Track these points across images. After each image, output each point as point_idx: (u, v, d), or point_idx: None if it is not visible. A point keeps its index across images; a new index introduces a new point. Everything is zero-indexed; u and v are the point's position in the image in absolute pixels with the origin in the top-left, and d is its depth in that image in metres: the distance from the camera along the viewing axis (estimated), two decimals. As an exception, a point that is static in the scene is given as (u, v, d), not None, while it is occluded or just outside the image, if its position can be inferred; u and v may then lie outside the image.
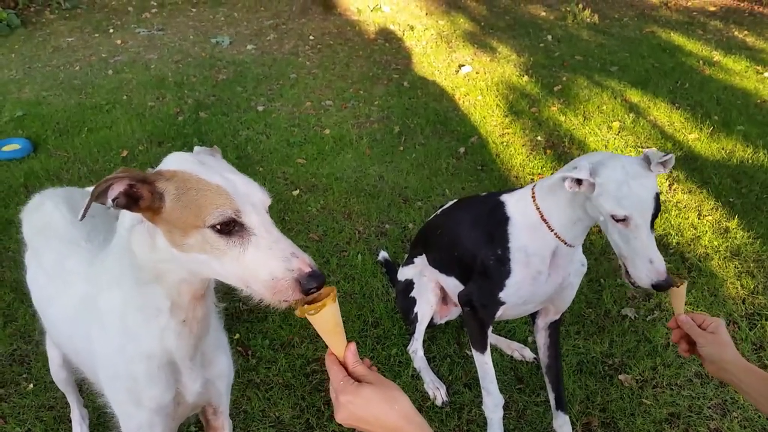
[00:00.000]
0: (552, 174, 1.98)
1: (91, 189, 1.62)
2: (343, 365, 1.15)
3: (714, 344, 1.50)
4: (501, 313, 2.24)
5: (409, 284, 2.70)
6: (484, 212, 2.21)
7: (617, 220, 1.71)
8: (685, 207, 3.82)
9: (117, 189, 1.10)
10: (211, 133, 4.80)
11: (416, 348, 2.71)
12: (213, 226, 1.08)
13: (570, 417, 2.33)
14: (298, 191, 3.98)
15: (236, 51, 6.82)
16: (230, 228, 1.09)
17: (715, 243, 3.46)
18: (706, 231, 3.56)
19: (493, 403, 2.31)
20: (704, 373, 2.65)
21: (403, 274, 2.75)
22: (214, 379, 1.56)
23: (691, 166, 4.26)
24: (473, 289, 2.26)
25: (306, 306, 1.10)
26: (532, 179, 4.13)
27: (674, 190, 4.01)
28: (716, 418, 2.44)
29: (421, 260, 2.66)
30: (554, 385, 2.34)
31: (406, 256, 2.82)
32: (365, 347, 2.77)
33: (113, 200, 1.10)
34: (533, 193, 2.04)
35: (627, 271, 1.78)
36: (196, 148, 1.33)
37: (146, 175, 1.13)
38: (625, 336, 2.82)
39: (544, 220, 2.00)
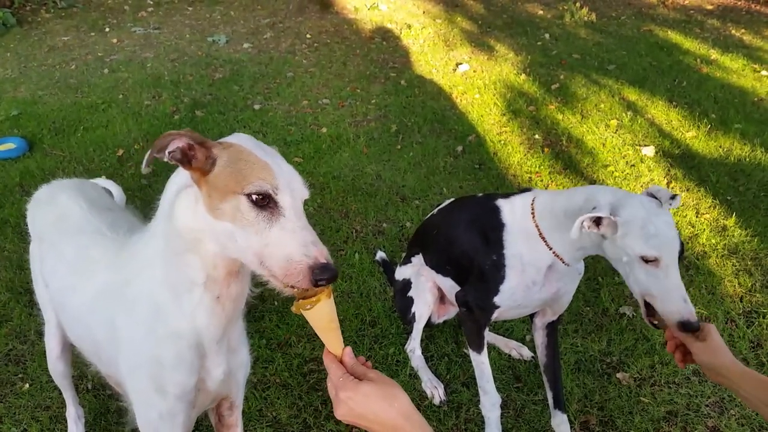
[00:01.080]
0: (550, 189, 1.99)
1: (98, 180, 1.63)
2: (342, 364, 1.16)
3: (708, 351, 1.50)
4: (497, 315, 2.25)
5: (407, 284, 2.70)
6: (479, 215, 2.20)
7: (647, 261, 1.68)
8: (683, 205, 3.81)
9: (176, 144, 1.17)
10: (207, 132, 4.79)
11: (414, 347, 2.71)
12: (249, 195, 1.14)
13: (568, 415, 2.33)
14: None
15: (233, 50, 6.81)
16: (264, 202, 1.15)
17: (713, 241, 3.47)
18: (704, 229, 3.57)
19: (490, 403, 2.32)
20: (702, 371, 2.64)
21: (401, 273, 2.74)
22: (235, 369, 1.57)
23: (688, 164, 4.27)
24: (470, 291, 2.27)
25: (302, 300, 1.12)
26: (530, 178, 4.13)
27: (672, 188, 4.02)
28: (714, 416, 2.44)
29: (418, 260, 2.66)
30: (552, 384, 2.34)
31: (404, 255, 2.82)
32: (363, 346, 2.76)
33: (170, 153, 1.17)
34: (533, 209, 2.02)
35: (649, 310, 1.75)
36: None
37: (205, 139, 1.21)
38: (623, 334, 2.83)
39: (543, 237, 1.99)
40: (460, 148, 4.53)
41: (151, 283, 1.37)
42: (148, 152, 1.18)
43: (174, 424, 1.50)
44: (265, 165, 1.18)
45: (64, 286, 1.72)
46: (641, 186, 4.05)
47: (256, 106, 5.26)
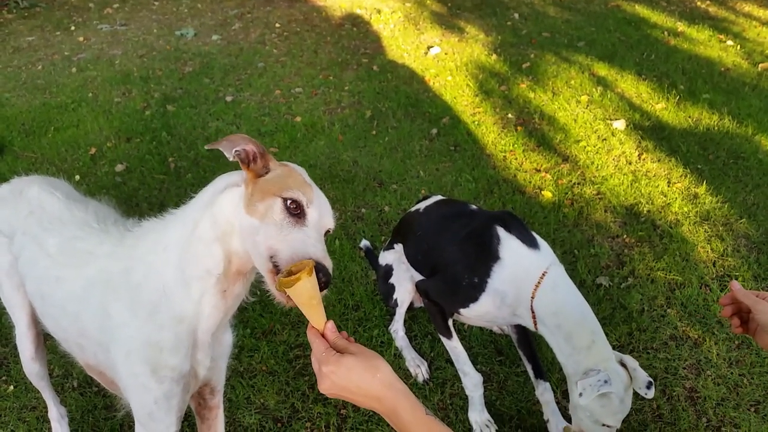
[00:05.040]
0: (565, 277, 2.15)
1: (60, 180, 1.66)
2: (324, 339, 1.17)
3: None
4: (458, 318, 2.32)
5: (389, 270, 2.71)
6: (475, 236, 2.20)
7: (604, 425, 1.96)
8: (654, 176, 3.89)
9: (248, 146, 1.35)
10: (179, 126, 4.75)
11: (397, 328, 2.74)
12: (285, 199, 1.29)
13: (550, 384, 2.37)
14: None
15: (201, 42, 6.73)
16: (295, 210, 1.30)
17: (685, 209, 3.54)
18: (676, 198, 3.64)
19: (472, 384, 2.35)
20: (679, 335, 2.72)
21: (384, 258, 2.76)
22: (217, 357, 1.64)
23: (659, 136, 4.34)
24: (432, 287, 2.31)
25: (283, 279, 1.15)
26: (504, 157, 4.17)
27: (643, 159, 4.08)
28: (691, 378, 2.52)
29: (401, 248, 2.67)
30: (529, 356, 2.39)
31: (388, 240, 2.84)
32: (346, 330, 2.78)
33: (237, 151, 1.34)
34: (534, 292, 2.05)
35: None
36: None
37: (267, 152, 1.40)
38: (601, 304, 2.88)
39: (533, 311, 2.07)
40: (434, 131, 4.55)
41: (164, 267, 1.44)
42: (221, 140, 1.34)
43: (169, 407, 1.53)
44: (309, 186, 1.35)
45: (47, 277, 1.71)
46: (613, 159, 4.09)
47: (228, 98, 5.21)
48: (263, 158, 1.38)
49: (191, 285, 1.42)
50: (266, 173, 1.37)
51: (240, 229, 1.35)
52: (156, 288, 1.45)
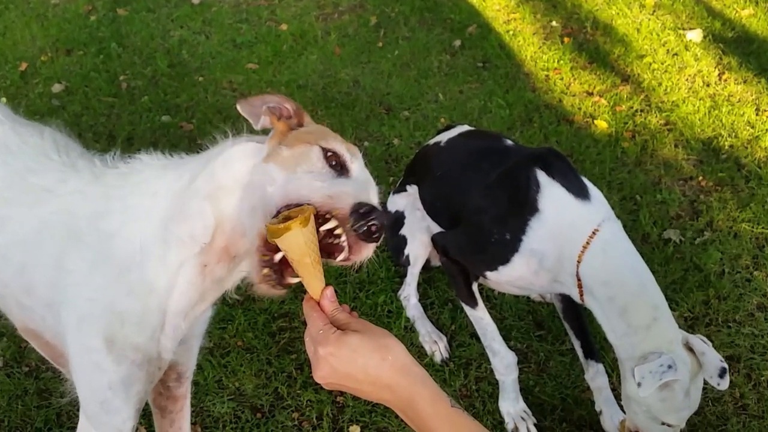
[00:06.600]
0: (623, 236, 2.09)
1: None
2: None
3: None
4: (484, 282, 2.33)
5: (400, 218, 2.68)
6: (510, 180, 2.19)
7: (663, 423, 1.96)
8: (738, 101, 3.82)
9: (283, 104, 1.43)
10: (134, 35, 4.65)
11: (409, 294, 2.71)
12: (325, 149, 1.30)
13: (604, 366, 2.33)
14: (250, 104, 3.86)
15: (162, -71, 6.48)
16: (335, 161, 1.30)
17: (778, 144, 3.50)
18: (766, 130, 3.57)
19: (502, 365, 2.33)
20: (768, 305, 2.70)
21: (394, 203, 2.72)
22: (189, 336, 1.64)
23: (745, 51, 4.23)
24: (452, 243, 2.31)
25: (270, 226, 1.14)
26: (546, 76, 4.11)
27: (725, 80, 4.00)
28: (785, 359, 2.48)
29: (415, 190, 2.64)
30: (578, 330, 2.36)
31: (399, 181, 2.79)
32: (345, 296, 2.74)
33: (270, 107, 1.42)
34: (582, 255, 2.01)
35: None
36: None
37: (305, 112, 1.47)
38: (669, 265, 2.84)
39: (579, 278, 2.03)
40: (458, 43, 4.47)
41: (147, 216, 1.45)
42: (253, 98, 1.44)
43: (128, 397, 1.51)
44: (353, 146, 1.38)
45: None
46: (686, 80, 4.02)
47: (195, 0, 5.06)
48: (298, 115, 1.44)
49: (170, 249, 1.42)
50: (299, 126, 1.42)
51: (249, 182, 1.34)
52: (131, 240, 1.45)
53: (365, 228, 1.16)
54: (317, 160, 1.29)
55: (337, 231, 1.17)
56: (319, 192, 1.22)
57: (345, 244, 1.17)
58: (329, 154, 1.29)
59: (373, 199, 1.33)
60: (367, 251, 1.21)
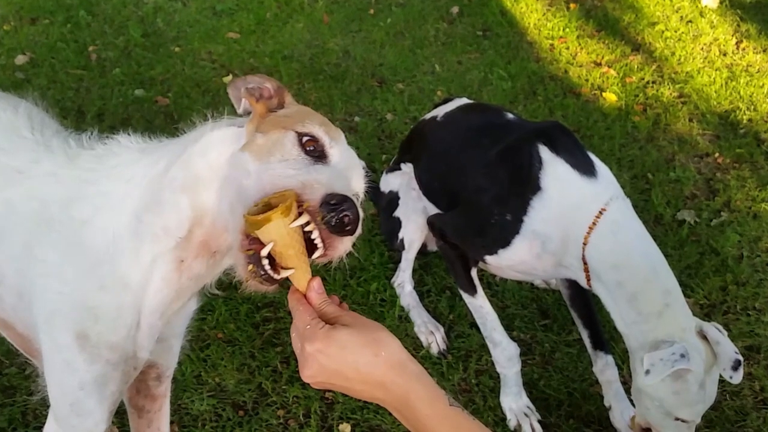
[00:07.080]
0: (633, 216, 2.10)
1: None
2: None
3: None
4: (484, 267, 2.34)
5: (394, 199, 2.68)
6: (506, 154, 2.20)
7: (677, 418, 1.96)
8: (758, 71, 3.84)
9: (263, 84, 1.42)
10: (104, 2, 4.63)
11: (403, 281, 2.71)
12: (300, 134, 1.29)
13: (614, 358, 2.32)
14: (230, 76, 3.85)
15: None
16: (312, 147, 1.28)
17: (801, 117, 3.53)
18: None
19: (504, 357, 2.33)
20: (790, 292, 2.72)
21: (387, 183, 2.73)
22: (168, 336, 1.65)
23: (764, 17, 4.26)
24: (449, 225, 2.32)
25: (249, 217, 1.15)
26: (551, 45, 4.11)
27: (743, 49, 4.02)
28: (808, 350, 2.49)
29: (410, 169, 2.64)
30: (586, 319, 2.36)
31: (393, 159, 2.79)
32: (334, 284, 2.74)
33: (248, 88, 1.41)
34: (588, 236, 2.00)
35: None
36: None
37: (287, 92, 1.46)
38: (684, 248, 2.84)
39: (585, 261, 2.02)
40: (455, 10, 4.49)
41: (121, 205, 1.43)
42: (235, 80, 1.45)
43: (102, 397, 1.50)
44: (333, 127, 1.36)
45: None
46: (702, 49, 4.03)
47: (172, -36, 5.04)
48: (279, 94, 1.43)
49: (143, 242, 1.41)
50: (280, 108, 1.41)
51: (226, 176, 1.33)
52: (104, 230, 1.44)
53: (337, 220, 1.13)
54: (292, 147, 1.29)
55: (308, 228, 1.15)
56: (293, 180, 1.22)
57: (318, 240, 1.15)
58: (305, 139, 1.29)
59: (356, 186, 1.33)
60: (342, 246, 1.19)
